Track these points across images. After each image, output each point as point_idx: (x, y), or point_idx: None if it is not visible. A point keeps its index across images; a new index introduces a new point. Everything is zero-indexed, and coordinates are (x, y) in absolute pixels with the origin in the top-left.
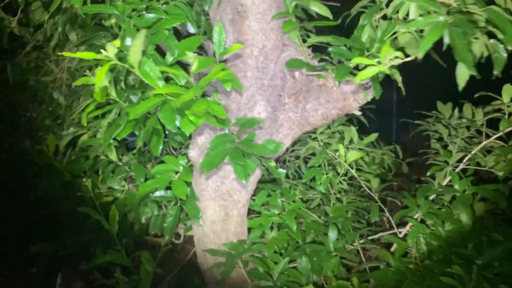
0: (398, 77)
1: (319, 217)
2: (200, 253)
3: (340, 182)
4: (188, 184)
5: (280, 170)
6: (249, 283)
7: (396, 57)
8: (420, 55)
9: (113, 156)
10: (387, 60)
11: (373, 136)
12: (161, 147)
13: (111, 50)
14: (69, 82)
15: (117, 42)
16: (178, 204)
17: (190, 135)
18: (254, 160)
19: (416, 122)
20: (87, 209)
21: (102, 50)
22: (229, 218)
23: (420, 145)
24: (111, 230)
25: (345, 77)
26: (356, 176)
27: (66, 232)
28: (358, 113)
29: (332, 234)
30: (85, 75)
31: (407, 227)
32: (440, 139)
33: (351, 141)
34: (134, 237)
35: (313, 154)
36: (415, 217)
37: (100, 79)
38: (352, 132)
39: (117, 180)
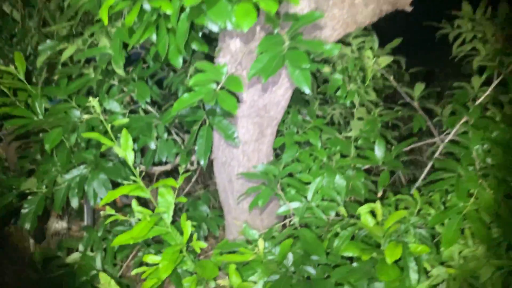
0: None
1: (340, 133)
2: (223, 178)
3: (367, 93)
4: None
5: (337, 76)
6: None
7: None
8: None
9: (120, 70)
10: None
11: (396, 42)
12: (181, 58)
13: None
14: None
15: None
16: (208, 123)
17: (213, 40)
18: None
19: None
20: (94, 134)
21: None
22: (263, 137)
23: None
24: (126, 158)
25: None
26: (395, 84)
27: (55, 167)
28: (410, 8)
29: (380, 148)
30: None
31: (450, 136)
32: (463, 44)
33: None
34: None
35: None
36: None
37: None
38: (373, 37)
39: (117, 101)
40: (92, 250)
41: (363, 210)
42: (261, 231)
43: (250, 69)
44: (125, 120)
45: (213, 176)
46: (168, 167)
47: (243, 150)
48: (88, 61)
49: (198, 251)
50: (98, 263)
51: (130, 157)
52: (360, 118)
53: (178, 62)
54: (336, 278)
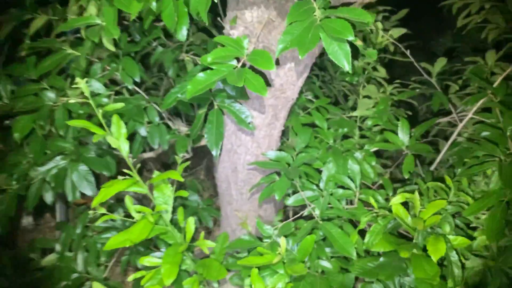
0: None
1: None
2: (226, 167)
3: (375, 69)
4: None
5: (370, 49)
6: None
7: None
8: None
9: (111, 45)
10: None
11: (403, 12)
12: (186, 29)
13: None
14: None
15: None
16: (216, 106)
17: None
18: None
19: None
20: (82, 122)
21: None
22: (276, 121)
23: None
24: (120, 148)
25: None
26: (412, 59)
27: (26, 159)
28: None
29: (404, 130)
30: None
31: (470, 114)
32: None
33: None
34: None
35: None
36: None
37: None
38: (377, 9)
39: (100, 81)
40: (70, 250)
41: (396, 201)
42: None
43: (278, 43)
44: (120, 105)
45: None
46: (152, 154)
47: (253, 135)
48: (59, 35)
49: (206, 251)
50: (80, 265)
51: (124, 147)
52: (367, 97)
53: (182, 34)
54: (357, 272)
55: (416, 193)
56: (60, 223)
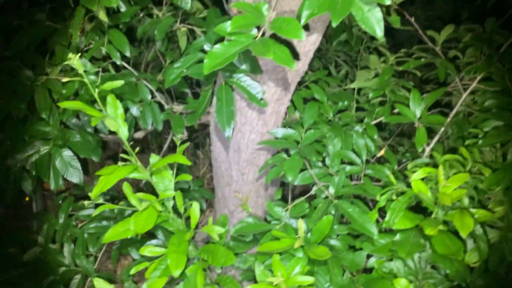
0: None
1: (340, 85)
2: (228, 147)
3: (374, 37)
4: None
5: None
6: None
7: None
8: None
9: (104, 15)
10: None
11: None
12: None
13: None
14: None
15: None
16: (224, 82)
17: None
18: None
19: None
20: (76, 103)
21: None
22: (284, 97)
23: None
24: (119, 132)
25: None
26: (414, 23)
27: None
28: None
29: (415, 102)
30: None
31: (475, 83)
32: None
33: None
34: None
35: None
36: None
37: None
38: None
39: (86, 57)
40: (53, 242)
41: (417, 176)
42: (264, 202)
43: (304, 8)
44: (120, 82)
45: None
46: (142, 133)
47: (259, 113)
48: (31, 4)
49: (217, 238)
50: (68, 257)
51: (123, 131)
52: (365, 67)
53: (186, 1)
54: (369, 250)
55: (441, 168)
56: (39, 213)
